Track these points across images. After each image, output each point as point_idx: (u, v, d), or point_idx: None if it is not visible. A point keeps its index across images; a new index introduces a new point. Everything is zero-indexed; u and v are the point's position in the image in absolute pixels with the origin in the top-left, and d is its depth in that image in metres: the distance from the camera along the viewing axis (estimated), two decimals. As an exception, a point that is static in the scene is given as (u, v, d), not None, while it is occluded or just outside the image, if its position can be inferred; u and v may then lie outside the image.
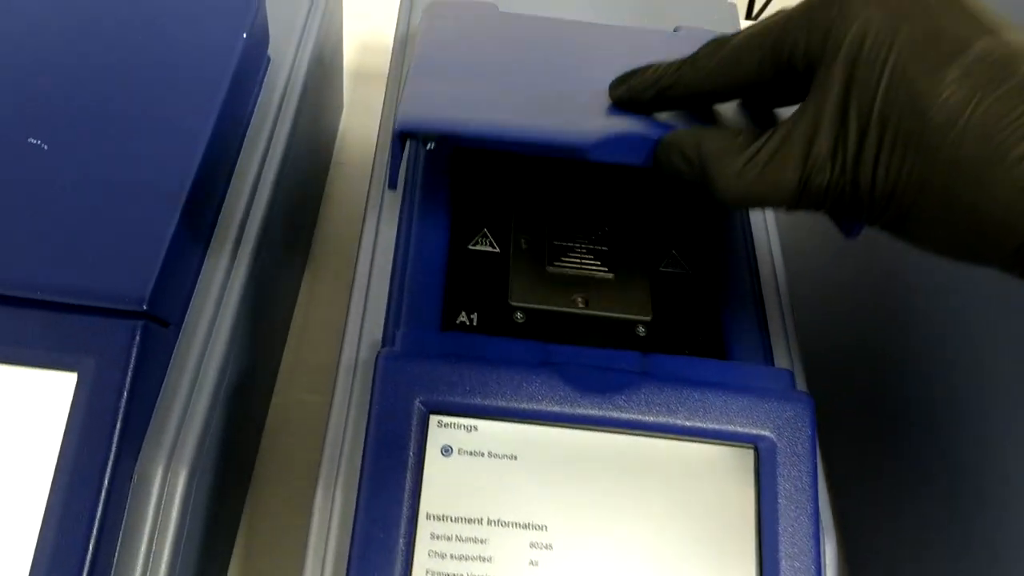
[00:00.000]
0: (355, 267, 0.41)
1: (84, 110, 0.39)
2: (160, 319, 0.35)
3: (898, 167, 0.27)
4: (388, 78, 0.49)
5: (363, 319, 0.39)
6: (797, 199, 0.30)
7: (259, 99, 0.46)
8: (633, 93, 0.35)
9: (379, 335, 0.38)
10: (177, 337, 0.37)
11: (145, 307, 0.34)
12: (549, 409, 0.34)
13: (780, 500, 0.34)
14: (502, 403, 0.34)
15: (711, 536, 0.34)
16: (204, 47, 0.42)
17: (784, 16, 0.30)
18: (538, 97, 0.38)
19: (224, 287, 0.40)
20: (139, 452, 0.35)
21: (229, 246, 0.41)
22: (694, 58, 0.33)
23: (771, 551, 0.33)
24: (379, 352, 0.35)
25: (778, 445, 0.35)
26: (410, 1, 0.53)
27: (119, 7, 0.43)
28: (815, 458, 0.35)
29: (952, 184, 0.26)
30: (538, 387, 0.35)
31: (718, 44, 0.32)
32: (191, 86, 0.40)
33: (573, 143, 0.34)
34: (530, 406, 0.34)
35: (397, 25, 0.52)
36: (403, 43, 0.51)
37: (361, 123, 0.66)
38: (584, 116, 0.36)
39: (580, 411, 0.35)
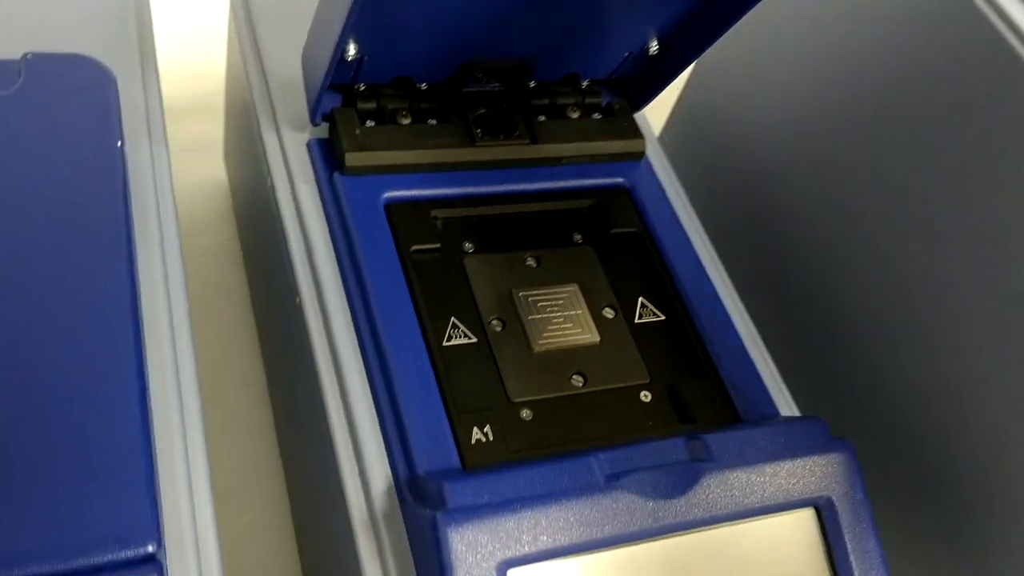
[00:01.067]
0: (323, 404, 0.35)
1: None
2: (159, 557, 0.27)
3: None
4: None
5: (360, 462, 0.33)
6: None
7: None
8: None
9: (385, 475, 0.33)
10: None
11: (157, 546, 0.26)
12: (622, 532, 0.32)
13: (850, 551, 0.34)
14: (577, 538, 0.31)
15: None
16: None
17: None
18: None
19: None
20: None
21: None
22: None
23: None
24: (435, 515, 0.29)
25: (835, 500, 0.34)
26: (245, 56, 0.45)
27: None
28: (869, 502, 0.35)
29: None
30: (606, 512, 0.31)
31: None
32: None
33: None
34: (603, 533, 0.31)
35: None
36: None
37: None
38: None
39: (651, 523, 0.32)
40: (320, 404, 0.35)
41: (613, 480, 0.32)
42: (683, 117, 0.62)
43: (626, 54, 0.43)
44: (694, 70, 0.60)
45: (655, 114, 0.48)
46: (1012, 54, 0.38)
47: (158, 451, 0.29)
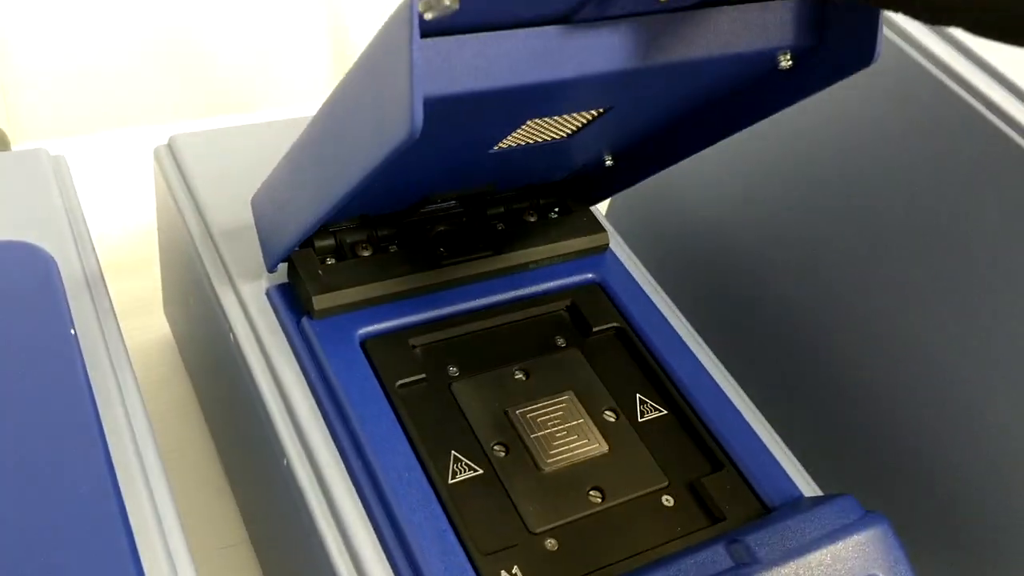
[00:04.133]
0: (333, 569, 0.32)
1: None
2: None
3: None
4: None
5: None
6: None
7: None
8: None
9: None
10: None
11: None
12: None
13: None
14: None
15: None
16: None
17: None
18: None
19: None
20: None
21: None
22: None
23: None
24: None
25: (882, 574, 0.33)
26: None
27: None
28: (911, 566, 0.34)
29: None
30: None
31: None
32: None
33: None
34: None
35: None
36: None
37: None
38: None
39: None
40: (329, 569, 0.32)
41: (660, 603, 0.30)
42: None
43: (581, 165, 0.42)
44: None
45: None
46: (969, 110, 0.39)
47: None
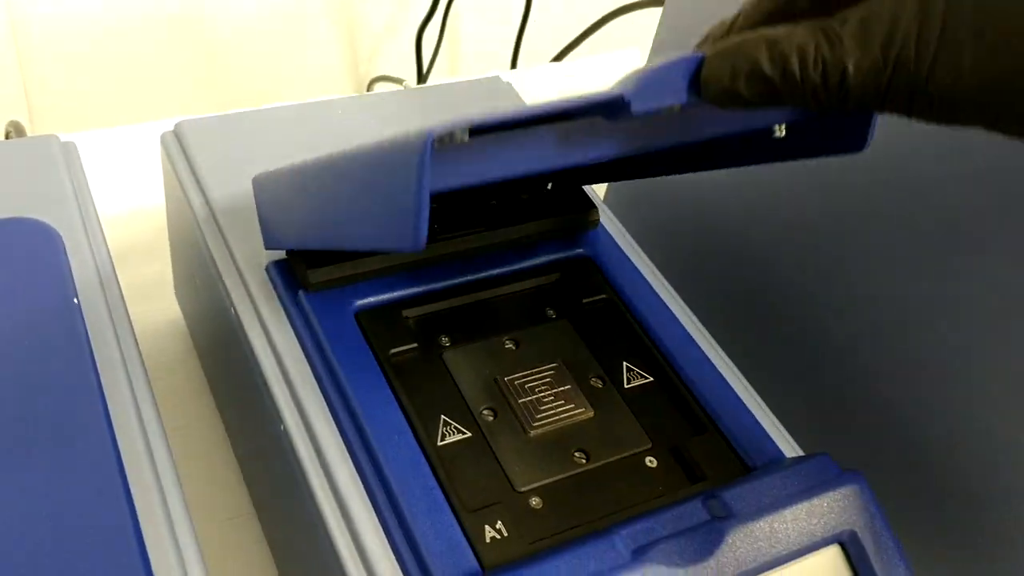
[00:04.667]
0: (326, 526, 0.33)
1: None
2: None
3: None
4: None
5: (370, 574, 0.32)
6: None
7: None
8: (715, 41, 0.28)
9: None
10: None
11: None
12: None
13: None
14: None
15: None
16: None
17: None
18: None
19: None
20: None
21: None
22: None
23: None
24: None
25: (857, 532, 0.34)
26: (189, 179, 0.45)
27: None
28: (889, 527, 0.34)
29: None
30: (642, 584, 0.30)
31: None
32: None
33: (610, 100, 0.27)
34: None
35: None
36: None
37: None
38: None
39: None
40: (322, 526, 0.34)
41: (640, 555, 0.31)
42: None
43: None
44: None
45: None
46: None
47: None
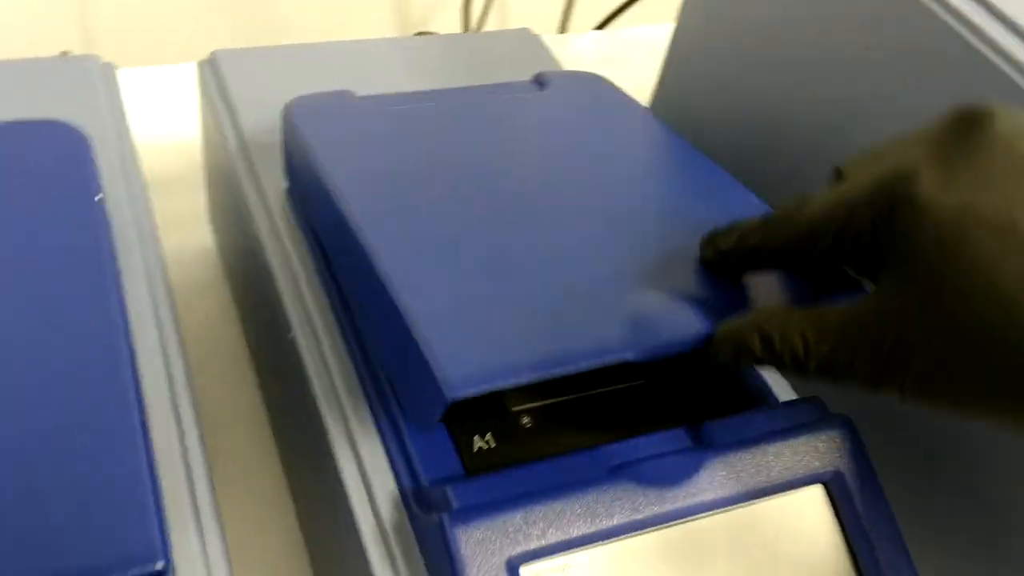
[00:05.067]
0: (324, 428, 0.35)
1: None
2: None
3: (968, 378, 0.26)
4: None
5: (364, 480, 0.33)
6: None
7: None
8: (721, 255, 0.34)
9: (391, 491, 0.33)
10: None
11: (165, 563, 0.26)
12: (633, 519, 0.31)
13: (863, 521, 0.34)
14: (585, 530, 0.31)
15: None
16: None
17: (852, 199, 0.29)
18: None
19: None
20: None
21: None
22: (772, 220, 0.32)
23: (870, 567, 0.33)
24: (442, 517, 0.29)
25: (841, 473, 0.34)
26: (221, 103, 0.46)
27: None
28: (874, 473, 0.35)
29: None
30: (614, 501, 0.31)
31: (794, 209, 0.31)
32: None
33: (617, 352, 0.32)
34: (612, 523, 0.31)
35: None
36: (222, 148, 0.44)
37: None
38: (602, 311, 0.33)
39: (659, 511, 0.32)
40: (321, 428, 0.35)
41: (617, 472, 0.32)
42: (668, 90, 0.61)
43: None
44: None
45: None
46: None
47: (163, 480, 0.30)
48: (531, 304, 0.33)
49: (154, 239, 0.39)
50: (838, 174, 0.32)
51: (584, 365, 0.31)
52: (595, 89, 0.47)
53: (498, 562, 0.29)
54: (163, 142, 0.63)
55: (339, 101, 0.42)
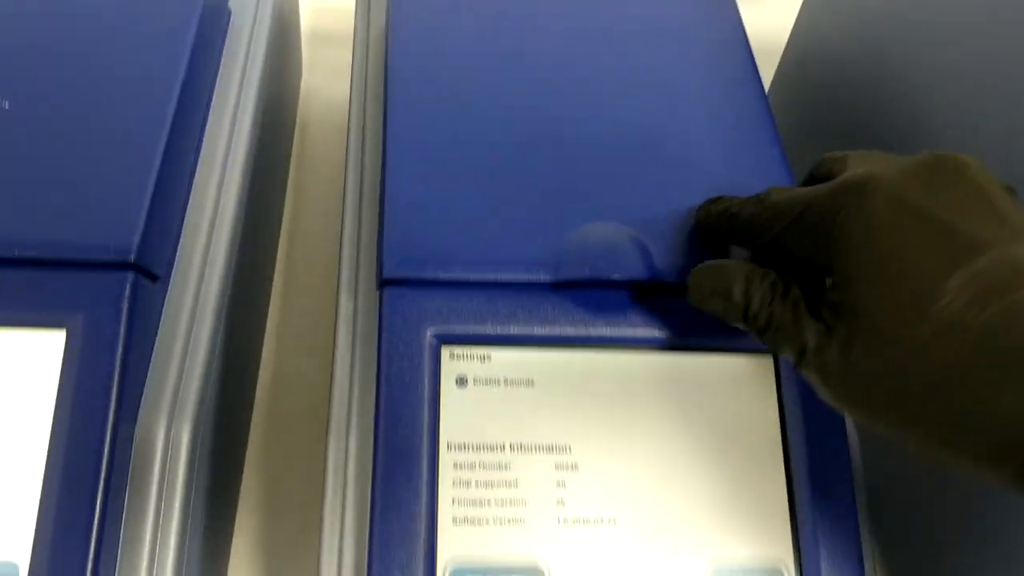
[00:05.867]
0: (344, 196, 0.40)
1: (48, 67, 0.37)
2: (148, 272, 0.34)
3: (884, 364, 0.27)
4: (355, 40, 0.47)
5: (357, 257, 0.38)
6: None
7: (224, 53, 0.44)
8: (710, 218, 0.35)
9: (374, 275, 0.37)
10: (166, 292, 0.36)
11: (133, 258, 0.32)
12: (563, 333, 0.33)
13: (806, 404, 0.33)
14: (514, 330, 0.33)
15: (736, 446, 0.33)
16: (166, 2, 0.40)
17: (817, 190, 0.30)
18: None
19: (209, 242, 0.38)
20: (138, 413, 0.33)
21: (210, 203, 0.39)
22: (752, 197, 0.33)
23: (799, 454, 0.33)
24: (384, 286, 0.33)
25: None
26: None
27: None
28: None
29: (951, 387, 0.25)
30: (550, 310, 0.34)
31: (775, 191, 0.33)
32: (156, 40, 0.38)
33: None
34: (543, 331, 0.33)
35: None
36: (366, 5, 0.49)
37: (323, 84, 0.64)
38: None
39: (594, 332, 0.34)
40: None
41: (558, 286, 0.34)
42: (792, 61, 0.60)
43: None
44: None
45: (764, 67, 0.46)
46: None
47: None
48: (508, 213, 0.35)
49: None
50: (811, 177, 0.34)
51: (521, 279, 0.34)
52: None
53: (423, 336, 0.33)
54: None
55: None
